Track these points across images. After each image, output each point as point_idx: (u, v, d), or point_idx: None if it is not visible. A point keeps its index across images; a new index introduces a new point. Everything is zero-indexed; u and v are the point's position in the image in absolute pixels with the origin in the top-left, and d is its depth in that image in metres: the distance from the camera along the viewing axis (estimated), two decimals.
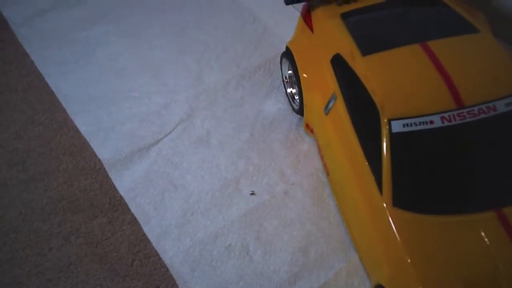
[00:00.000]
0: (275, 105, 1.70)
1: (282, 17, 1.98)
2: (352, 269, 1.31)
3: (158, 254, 1.36)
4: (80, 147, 1.61)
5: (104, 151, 1.59)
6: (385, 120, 1.19)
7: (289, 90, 1.67)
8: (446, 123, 1.18)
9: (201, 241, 1.37)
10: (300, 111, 1.60)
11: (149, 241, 1.39)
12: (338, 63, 1.39)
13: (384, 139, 1.19)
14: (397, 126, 1.19)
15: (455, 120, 1.18)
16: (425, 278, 1.09)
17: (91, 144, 1.61)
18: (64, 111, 1.71)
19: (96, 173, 1.54)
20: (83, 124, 1.67)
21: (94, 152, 1.59)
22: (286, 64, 1.65)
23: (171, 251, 1.36)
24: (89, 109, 1.71)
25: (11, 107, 1.73)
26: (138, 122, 1.66)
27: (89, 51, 1.91)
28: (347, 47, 1.36)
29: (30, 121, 1.69)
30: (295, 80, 1.57)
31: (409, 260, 1.10)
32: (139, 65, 1.85)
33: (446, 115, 1.19)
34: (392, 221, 1.15)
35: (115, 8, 2.09)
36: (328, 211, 1.42)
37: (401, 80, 1.26)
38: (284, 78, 1.69)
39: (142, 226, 1.41)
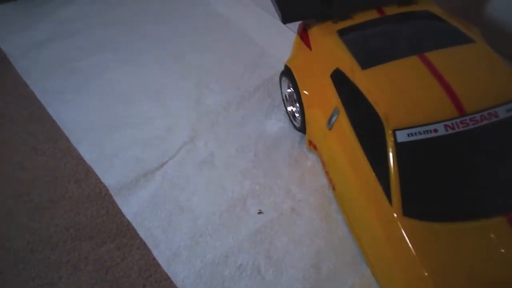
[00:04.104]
0: (276, 124, 1.71)
1: (277, 38, 2.01)
2: (365, 283, 1.30)
3: (169, 278, 1.35)
4: (84, 174, 1.61)
5: (109, 177, 1.59)
6: (390, 131, 1.21)
7: (289, 109, 1.69)
8: (450, 131, 1.20)
9: (212, 262, 1.37)
10: (301, 129, 1.62)
11: (159, 265, 1.38)
12: (338, 78, 1.41)
13: (390, 149, 1.20)
14: (402, 136, 1.20)
15: (458, 127, 1.20)
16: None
17: (96, 171, 1.61)
18: (67, 139, 1.71)
19: (102, 199, 1.54)
20: (87, 151, 1.67)
21: (99, 179, 1.59)
22: (285, 83, 1.67)
23: (182, 274, 1.35)
24: (91, 137, 1.71)
25: (13, 138, 1.73)
26: (142, 147, 1.67)
27: (88, 79, 1.93)
28: (347, 62, 1.38)
29: (34, 151, 1.69)
30: (296, 98, 1.59)
31: (423, 270, 1.10)
32: (139, 91, 1.87)
33: (449, 123, 1.20)
34: (404, 231, 1.15)
35: (111, 37, 2.12)
36: (336, 225, 1.42)
37: (402, 91, 1.28)
38: (284, 97, 1.71)
39: (152, 250, 1.41)
